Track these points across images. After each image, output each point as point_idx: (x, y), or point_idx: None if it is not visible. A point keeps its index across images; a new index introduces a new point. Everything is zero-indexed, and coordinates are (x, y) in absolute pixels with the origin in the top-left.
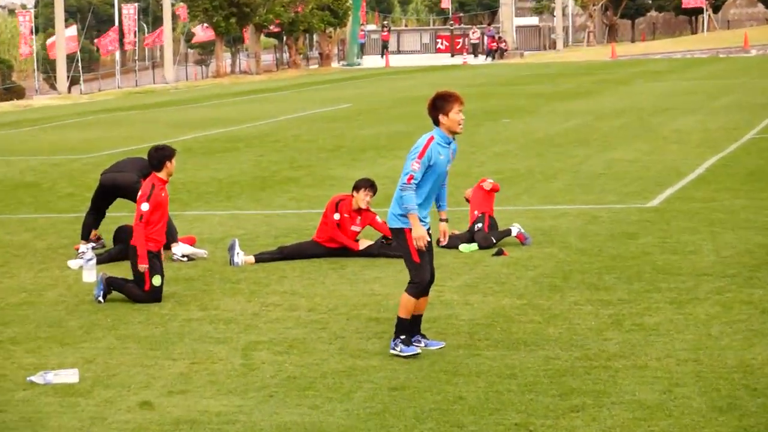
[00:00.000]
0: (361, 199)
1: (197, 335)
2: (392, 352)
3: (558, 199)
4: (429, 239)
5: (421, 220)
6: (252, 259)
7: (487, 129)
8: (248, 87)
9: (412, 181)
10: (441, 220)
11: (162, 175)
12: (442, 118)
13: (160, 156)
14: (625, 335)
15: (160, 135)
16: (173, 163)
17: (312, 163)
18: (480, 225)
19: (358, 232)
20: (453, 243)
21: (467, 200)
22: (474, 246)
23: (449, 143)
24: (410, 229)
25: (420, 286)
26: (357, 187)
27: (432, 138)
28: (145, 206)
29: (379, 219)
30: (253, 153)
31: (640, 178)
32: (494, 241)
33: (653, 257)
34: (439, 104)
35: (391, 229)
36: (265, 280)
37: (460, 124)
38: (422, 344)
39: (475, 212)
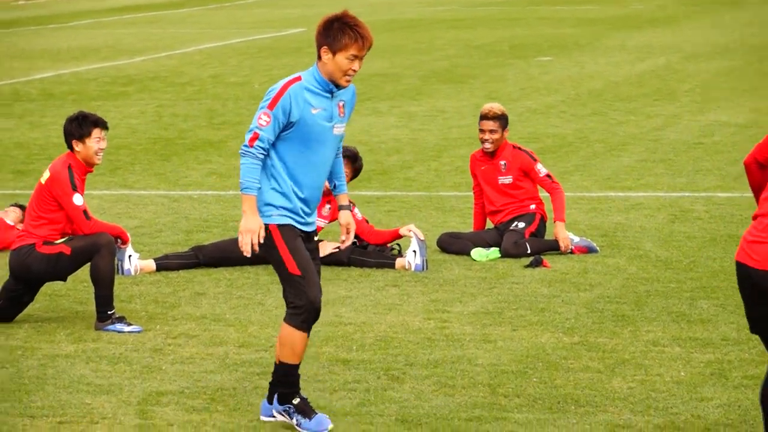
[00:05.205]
0: None
1: (67, 381)
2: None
3: (627, 182)
4: (312, 247)
5: (300, 215)
6: (152, 264)
7: (516, 72)
8: None
9: (256, 142)
10: (341, 208)
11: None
12: (324, 54)
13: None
14: (732, 393)
15: (2, 72)
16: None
17: (243, 118)
18: (522, 225)
19: (321, 227)
20: (462, 246)
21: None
22: (494, 252)
23: (331, 92)
24: (276, 226)
25: (308, 311)
26: None
27: (296, 80)
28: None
29: (357, 212)
30: (150, 102)
31: None
32: (529, 251)
33: None
34: (328, 32)
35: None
36: (172, 298)
37: (346, 75)
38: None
39: (512, 204)
